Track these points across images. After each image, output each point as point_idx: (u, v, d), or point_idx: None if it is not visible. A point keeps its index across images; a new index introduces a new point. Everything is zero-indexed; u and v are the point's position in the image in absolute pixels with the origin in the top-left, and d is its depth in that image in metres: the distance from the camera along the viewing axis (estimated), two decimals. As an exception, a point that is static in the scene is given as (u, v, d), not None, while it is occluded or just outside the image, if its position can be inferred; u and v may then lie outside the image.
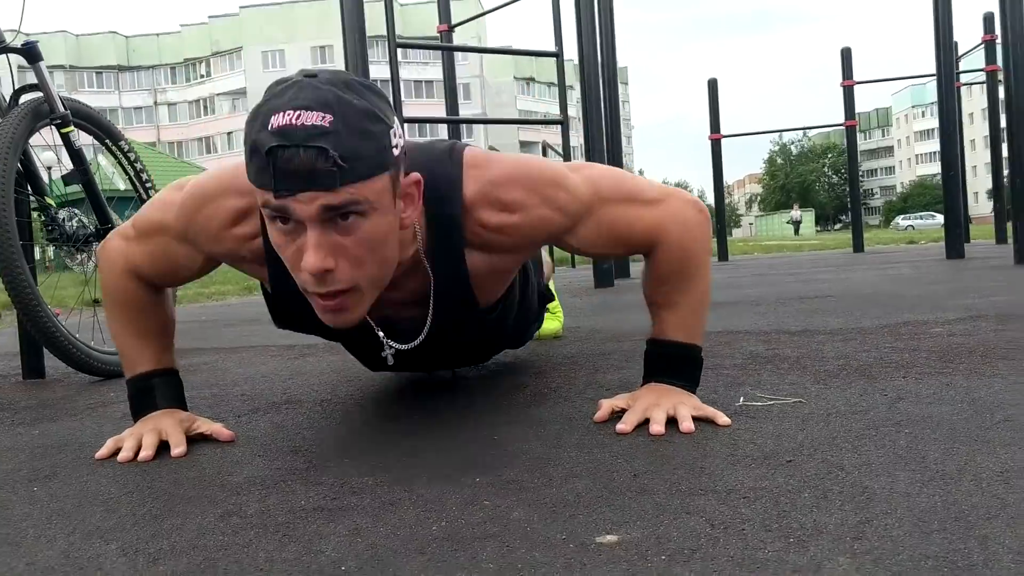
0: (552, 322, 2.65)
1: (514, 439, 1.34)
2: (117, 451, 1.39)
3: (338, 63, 56.42)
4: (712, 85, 9.68)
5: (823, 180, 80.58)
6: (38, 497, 1.18)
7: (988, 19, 9.11)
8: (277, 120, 1.07)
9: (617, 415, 1.42)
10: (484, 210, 1.32)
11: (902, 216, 59.93)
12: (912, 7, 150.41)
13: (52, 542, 0.98)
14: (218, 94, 58.52)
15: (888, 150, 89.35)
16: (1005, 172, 9.89)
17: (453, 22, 6.43)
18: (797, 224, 39.78)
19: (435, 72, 61.12)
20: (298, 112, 1.07)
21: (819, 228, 61.05)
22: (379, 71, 5.04)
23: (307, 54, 56.28)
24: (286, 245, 1.15)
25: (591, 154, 4.87)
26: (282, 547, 0.91)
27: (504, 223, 1.33)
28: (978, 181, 74.72)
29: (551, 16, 5.12)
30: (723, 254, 9.55)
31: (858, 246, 9.65)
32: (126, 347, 1.51)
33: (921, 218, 57.36)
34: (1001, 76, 9.32)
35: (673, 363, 1.47)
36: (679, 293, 1.46)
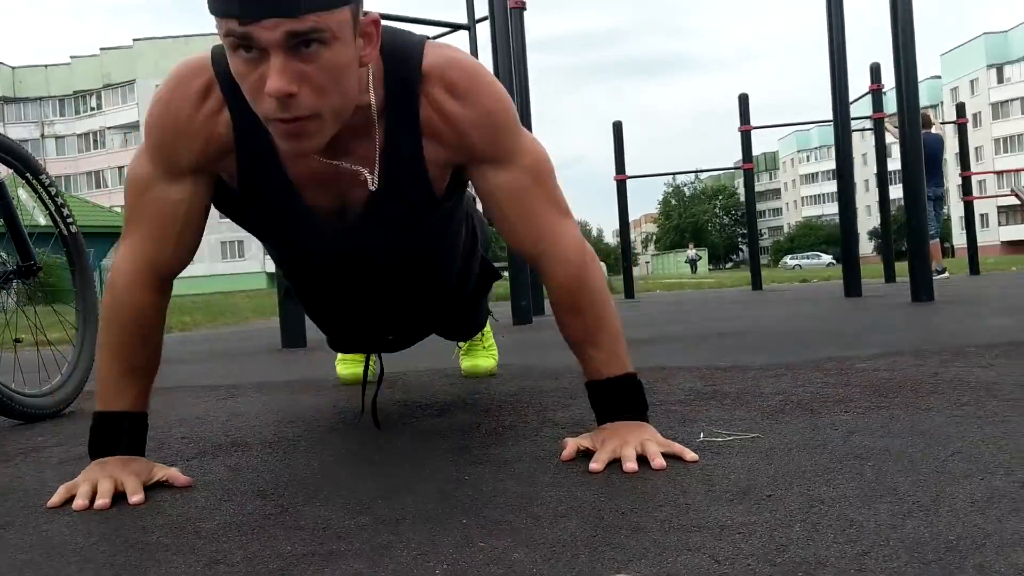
0: (487, 359, 2.66)
1: (486, 478, 1.34)
2: (70, 499, 1.33)
3: (235, 98, 55.64)
4: (617, 128, 9.89)
5: (715, 221, 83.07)
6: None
7: (875, 69, 9.58)
8: None
9: (583, 453, 1.43)
10: (436, 86, 1.36)
11: (790, 256, 62.18)
12: (794, 59, 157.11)
13: (28, 596, 0.93)
14: (109, 127, 56.96)
15: (775, 192, 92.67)
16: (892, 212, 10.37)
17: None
18: (694, 263, 40.86)
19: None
20: None
21: (711, 267, 62.77)
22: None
23: (202, 88, 55.26)
24: (248, 73, 1.18)
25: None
26: (282, 594, 0.89)
27: (448, 108, 1.37)
28: (859, 222, 77.88)
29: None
30: (629, 291, 9.71)
31: (756, 284, 9.95)
32: (109, 379, 1.44)
33: (808, 258, 59.63)
34: (888, 122, 9.80)
35: (620, 399, 1.48)
36: (598, 329, 1.48)
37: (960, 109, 11.81)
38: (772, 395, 1.99)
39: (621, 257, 10.32)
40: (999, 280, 8.91)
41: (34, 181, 2.48)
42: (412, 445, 1.66)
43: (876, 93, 9.68)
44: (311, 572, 0.95)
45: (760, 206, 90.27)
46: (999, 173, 37.29)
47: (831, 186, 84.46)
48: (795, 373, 2.33)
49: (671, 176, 79.55)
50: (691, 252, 42.53)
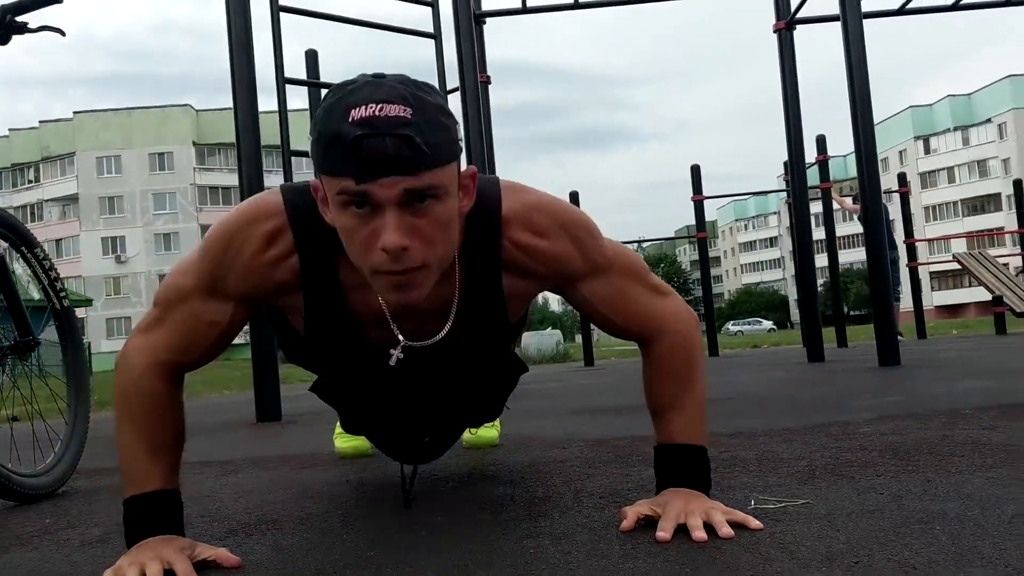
0: (490, 430, 2.63)
1: (552, 552, 1.31)
2: None
3: (178, 170, 55.32)
4: (574, 198, 10.04)
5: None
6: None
7: (820, 141, 9.91)
8: (359, 112, 1.14)
9: (642, 522, 1.41)
10: (518, 229, 1.39)
11: (732, 322, 63.04)
12: (727, 132, 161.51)
13: None
14: (47, 200, 56.06)
15: (715, 260, 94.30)
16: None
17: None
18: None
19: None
20: (380, 105, 1.15)
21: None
22: (273, 179, 4.96)
23: (144, 160, 54.90)
24: (358, 229, 1.20)
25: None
26: None
27: (534, 245, 1.41)
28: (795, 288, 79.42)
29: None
30: (588, 359, 9.75)
31: (713, 350, 10.06)
32: (135, 462, 1.40)
33: (748, 323, 60.56)
34: (834, 191, 10.10)
35: (688, 468, 1.48)
36: (686, 394, 1.50)
37: (901, 179, 12.21)
38: (793, 460, 1.99)
39: (580, 324, 10.38)
40: (946, 343, 9.12)
41: (29, 255, 2.42)
42: (454, 518, 1.62)
43: (822, 163, 9.98)
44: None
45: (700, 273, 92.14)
46: (931, 240, 38.51)
47: (769, 253, 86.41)
48: (803, 438, 2.35)
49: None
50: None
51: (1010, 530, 1.25)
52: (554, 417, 3.55)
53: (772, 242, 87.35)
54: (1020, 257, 11.94)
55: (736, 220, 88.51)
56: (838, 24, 5.29)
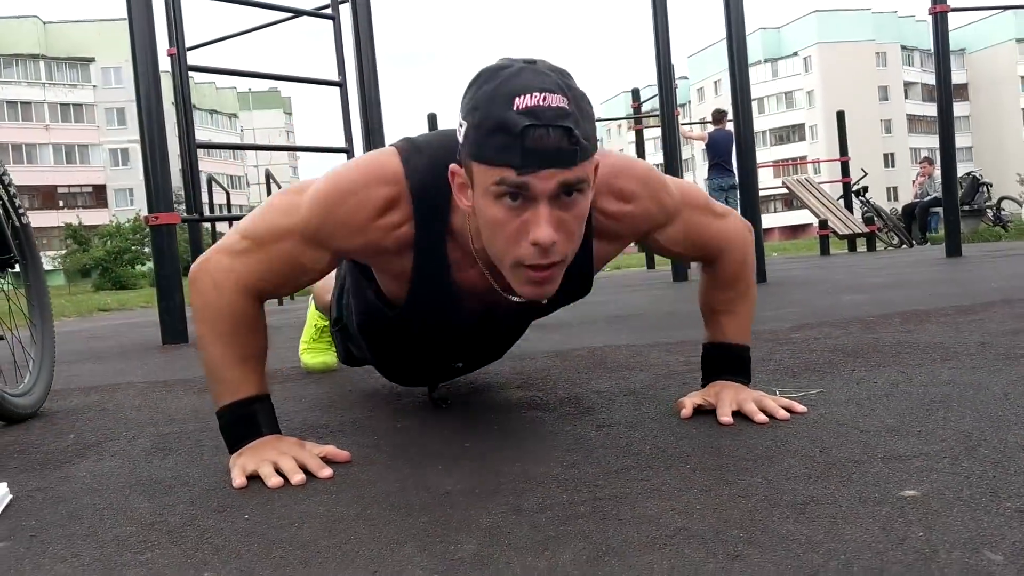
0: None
1: (627, 438, 1.47)
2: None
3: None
4: (431, 118, 10.06)
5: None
6: (321, 527, 1.14)
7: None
8: (524, 101, 1.16)
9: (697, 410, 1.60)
10: (607, 198, 1.44)
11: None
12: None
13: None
14: None
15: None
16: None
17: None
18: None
19: (85, 95, 56.93)
20: (544, 94, 1.16)
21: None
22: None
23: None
24: (509, 221, 1.22)
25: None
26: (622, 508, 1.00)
27: (621, 211, 1.47)
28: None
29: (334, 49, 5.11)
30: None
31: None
32: (227, 372, 1.44)
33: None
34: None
35: (734, 363, 1.67)
36: (740, 300, 1.67)
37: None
38: (761, 361, 2.22)
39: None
40: (782, 265, 9.81)
41: (-11, 170, 2.33)
42: (495, 419, 1.75)
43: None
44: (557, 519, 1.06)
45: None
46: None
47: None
48: (777, 343, 2.59)
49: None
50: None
51: (1013, 403, 1.50)
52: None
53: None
54: (840, 184, 12.87)
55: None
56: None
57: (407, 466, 1.39)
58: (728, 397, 1.58)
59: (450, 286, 1.45)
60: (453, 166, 1.29)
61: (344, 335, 1.93)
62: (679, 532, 0.97)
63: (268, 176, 9.25)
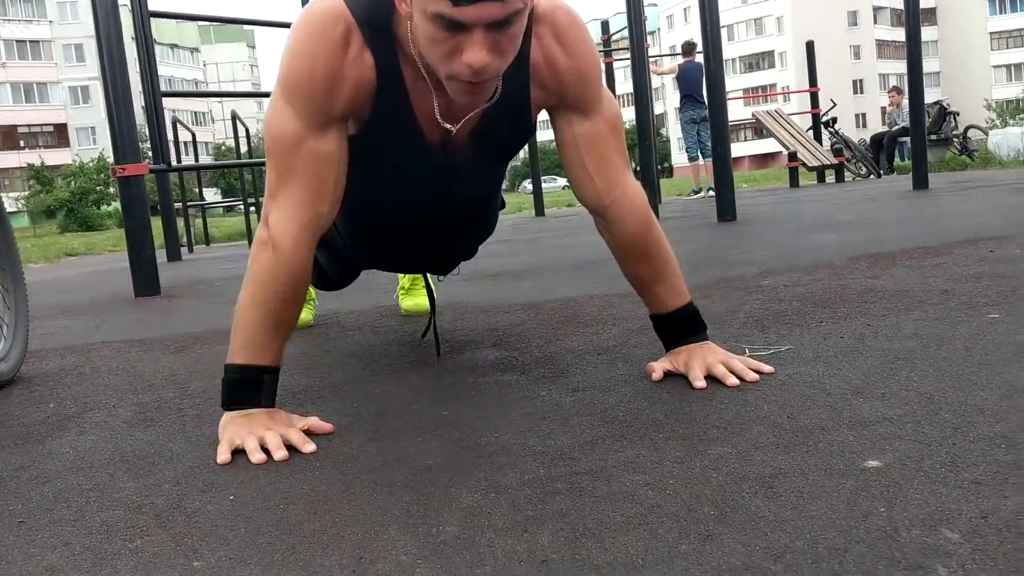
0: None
1: (601, 402, 1.51)
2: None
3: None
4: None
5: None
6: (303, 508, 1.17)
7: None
8: None
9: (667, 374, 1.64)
10: (546, 30, 1.50)
11: (528, 180, 64.25)
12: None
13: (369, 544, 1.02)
14: None
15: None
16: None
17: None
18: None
19: (42, 31, 55.45)
20: None
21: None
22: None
23: None
24: (444, 41, 1.28)
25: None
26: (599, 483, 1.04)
27: (556, 57, 1.51)
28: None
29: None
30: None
31: (540, 210, 10.41)
32: (256, 334, 1.46)
33: (545, 181, 61.89)
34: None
35: (685, 326, 1.68)
36: (663, 267, 1.67)
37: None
38: (730, 313, 2.27)
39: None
40: (752, 198, 9.86)
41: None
42: (473, 379, 1.78)
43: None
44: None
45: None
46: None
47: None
48: (718, 293, 2.64)
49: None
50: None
51: (975, 360, 1.55)
52: (480, 281, 3.71)
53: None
54: (810, 115, 12.88)
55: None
56: None
57: (387, 436, 1.42)
58: (697, 363, 1.61)
59: (408, 99, 1.48)
60: None
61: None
62: (653, 510, 1.01)
63: (234, 117, 9.12)
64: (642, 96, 6.87)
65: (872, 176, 12.11)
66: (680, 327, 1.69)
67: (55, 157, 48.26)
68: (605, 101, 1.62)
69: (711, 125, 5.95)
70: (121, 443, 1.54)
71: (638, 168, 7.01)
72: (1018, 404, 1.28)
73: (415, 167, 1.60)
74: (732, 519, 0.97)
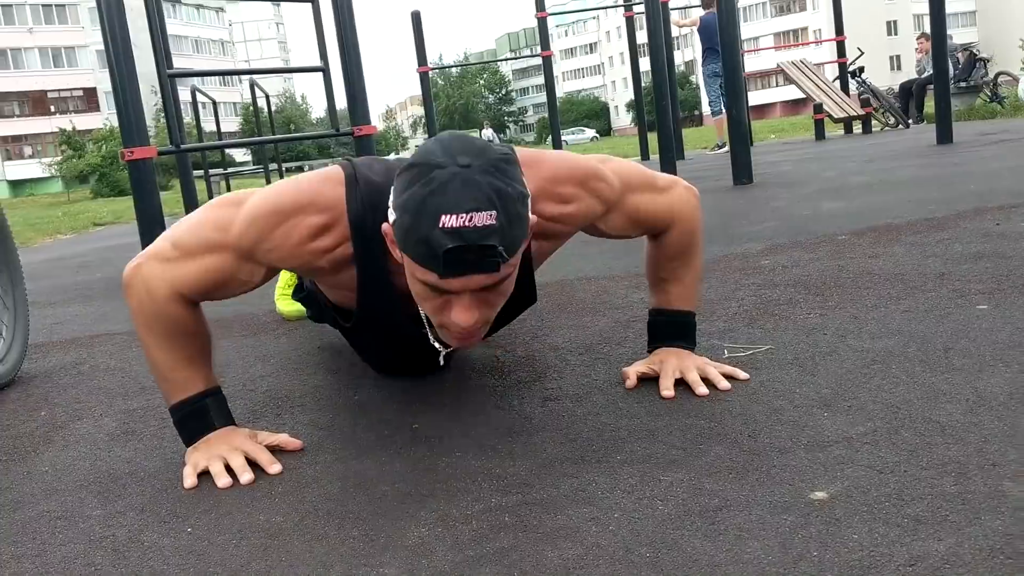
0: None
1: (582, 414, 1.51)
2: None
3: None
4: (416, 18, 9.83)
5: (482, 100, 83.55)
6: (262, 538, 1.19)
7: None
8: (450, 221, 1.17)
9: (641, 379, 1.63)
10: (546, 203, 1.46)
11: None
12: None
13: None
14: None
15: (535, 69, 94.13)
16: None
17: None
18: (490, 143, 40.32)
19: None
20: (470, 215, 1.17)
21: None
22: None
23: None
24: (433, 298, 1.28)
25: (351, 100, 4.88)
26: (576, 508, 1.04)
27: (562, 213, 1.49)
28: (618, 95, 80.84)
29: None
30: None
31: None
32: (172, 373, 1.47)
33: (572, 133, 61.52)
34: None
35: (679, 329, 1.69)
36: (685, 268, 1.68)
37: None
38: (723, 301, 2.25)
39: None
40: (776, 152, 9.73)
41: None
42: (474, 382, 1.79)
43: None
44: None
45: (524, 83, 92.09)
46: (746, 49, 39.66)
47: (589, 60, 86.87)
48: (716, 275, 2.62)
49: (439, 58, 79.15)
50: (488, 132, 40.47)
51: (950, 364, 1.53)
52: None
53: (592, 48, 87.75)
54: (836, 65, 12.63)
55: (556, 26, 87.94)
56: None
57: (353, 456, 1.44)
58: (671, 367, 1.60)
59: (397, 298, 1.47)
60: (385, 226, 1.30)
61: (311, 303, 1.97)
62: (591, 551, 1.02)
63: (252, 86, 9.10)
64: (657, 55, 6.75)
65: (900, 126, 11.89)
66: (671, 327, 1.69)
67: (85, 122, 48.57)
68: (617, 184, 1.55)
69: (724, 81, 5.83)
70: (99, 460, 1.57)
71: (655, 128, 6.92)
72: (981, 420, 1.27)
73: (403, 335, 1.59)
74: (665, 562, 0.97)
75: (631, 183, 1.58)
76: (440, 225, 1.17)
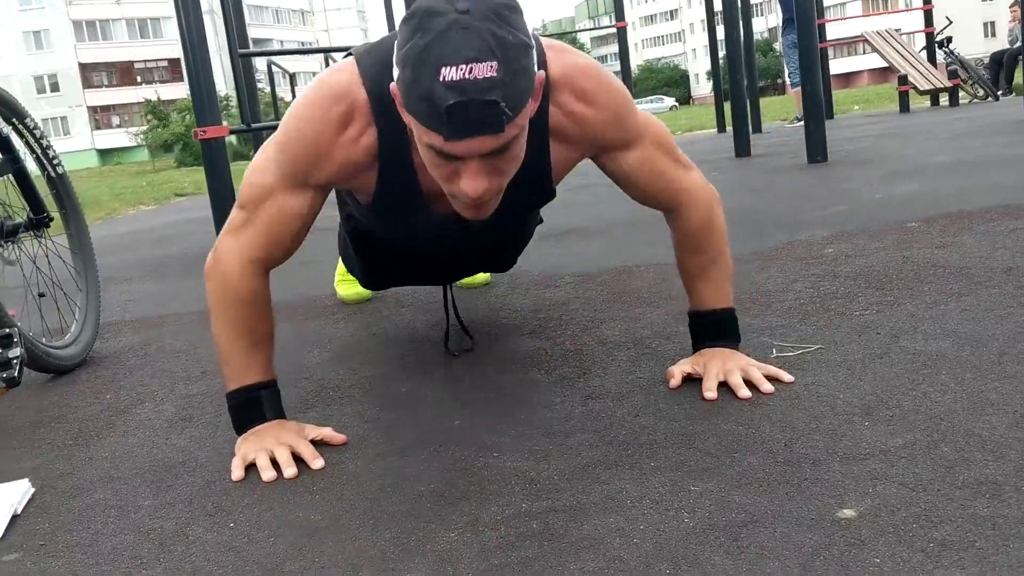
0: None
1: (623, 414, 1.52)
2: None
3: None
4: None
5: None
6: (313, 538, 1.23)
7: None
8: (450, 73, 1.15)
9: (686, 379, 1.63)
10: (565, 95, 1.45)
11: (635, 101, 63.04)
12: None
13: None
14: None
15: (614, 36, 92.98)
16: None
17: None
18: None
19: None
20: (470, 65, 1.15)
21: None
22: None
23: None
24: (441, 166, 1.28)
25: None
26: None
27: (582, 114, 1.47)
28: (698, 63, 79.40)
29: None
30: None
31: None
32: (237, 357, 1.53)
33: (651, 101, 60.74)
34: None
35: (719, 328, 1.68)
36: (712, 265, 1.67)
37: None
38: (779, 292, 2.22)
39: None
40: (856, 125, 9.48)
41: (20, 125, 2.40)
42: (511, 376, 1.81)
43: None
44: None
45: (602, 51, 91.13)
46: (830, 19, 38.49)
47: (670, 27, 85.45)
48: (776, 263, 2.58)
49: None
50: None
51: (1003, 371, 1.49)
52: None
53: (672, 15, 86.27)
54: (924, 35, 12.22)
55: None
56: None
57: (394, 451, 1.47)
58: (715, 368, 1.60)
59: (415, 178, 1.48)
60: (392, 86, 1.29)
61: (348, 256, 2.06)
62: (613, 564, 1.03)
63: (327, 59, 9.21)
64: (732, 30, 6.62)
65: (990, 98, 11.46)
66: (712, 328, 1.69)
67: (170, 92, 49.68)
68: (645, 125, 1.56)
69: (799, 54, 5.69)
70: (155, 448, 1.63)
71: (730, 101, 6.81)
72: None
73: (427, 234, 1.63)
74: (684, 580, 0.98)
75: (656, 135, 1.58)
76: (440, 78, 1.15)
